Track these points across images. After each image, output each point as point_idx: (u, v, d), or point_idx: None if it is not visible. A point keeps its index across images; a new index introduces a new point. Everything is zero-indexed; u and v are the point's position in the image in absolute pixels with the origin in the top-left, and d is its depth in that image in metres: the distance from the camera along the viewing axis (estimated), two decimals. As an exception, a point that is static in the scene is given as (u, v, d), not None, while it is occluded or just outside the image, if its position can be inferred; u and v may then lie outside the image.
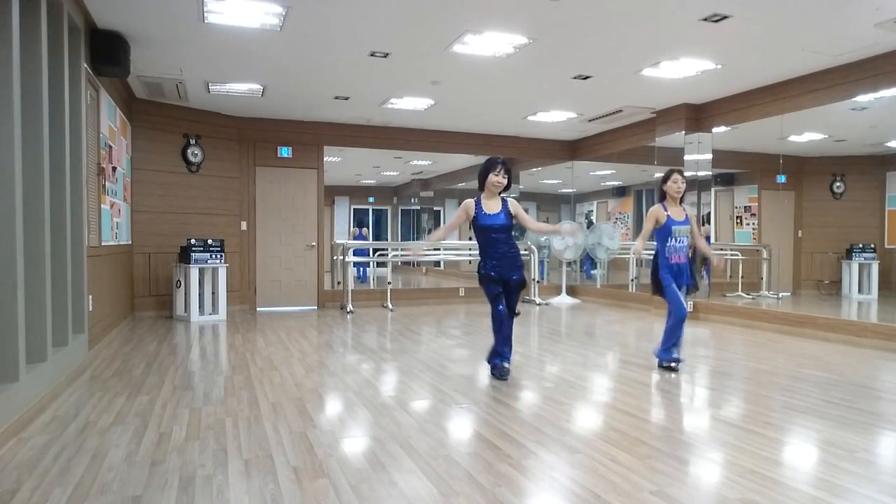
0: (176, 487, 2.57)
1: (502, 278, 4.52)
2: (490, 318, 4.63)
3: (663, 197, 4.89)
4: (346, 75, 6.79)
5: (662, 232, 4.82)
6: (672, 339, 4.82)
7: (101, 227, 5.89)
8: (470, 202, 4.56)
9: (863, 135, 9.01)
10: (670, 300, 4.83)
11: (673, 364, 4.80)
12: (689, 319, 8.03)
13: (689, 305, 4.94)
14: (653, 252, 4.94)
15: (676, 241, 4.80)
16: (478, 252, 4.68)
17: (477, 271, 4.65)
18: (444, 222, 15.81)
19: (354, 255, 9.60)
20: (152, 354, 5.52)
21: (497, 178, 4.49)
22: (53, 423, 3.48)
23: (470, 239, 15.91)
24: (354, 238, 14.02)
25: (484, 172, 4.54)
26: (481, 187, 4.58)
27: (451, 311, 8.91)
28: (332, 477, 2.69)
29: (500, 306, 4.54)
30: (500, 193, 4.59)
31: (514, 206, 4.63)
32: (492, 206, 4.55)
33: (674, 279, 4.83)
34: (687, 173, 8.21)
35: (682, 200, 4.90)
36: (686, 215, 4.88)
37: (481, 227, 4.54)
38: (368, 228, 16.54)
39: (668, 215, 4.80)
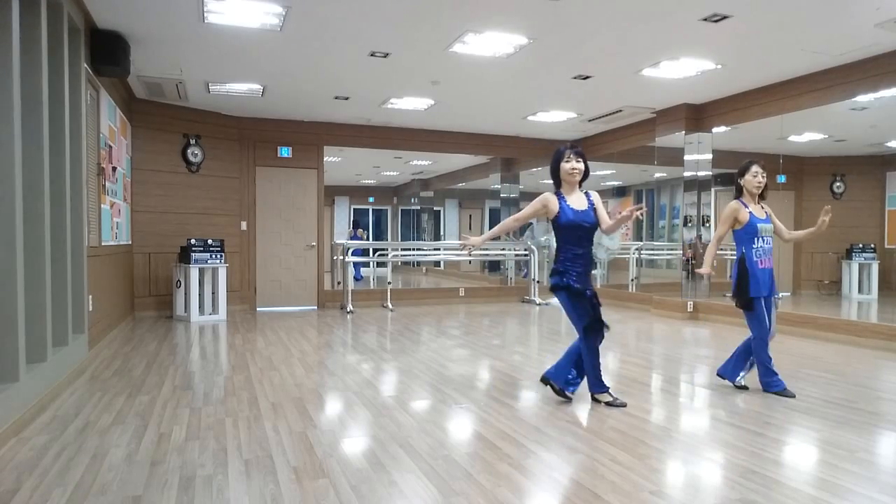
0: (176, 487, 2.57)
1: (585, 291, 3.84)
2: (586, 344, 3.93)
3: (740, 192, 4.24)
4: (346, 75, 6.78)
5: (746, 233, 4.14)
6: (766, 360, 4.16)
7: (101, 227, 5.89)
8: (550, 195, 3.86)
9: (863, 135, 9.01)
10: (757, 317, 4.20)
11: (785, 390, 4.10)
12: (690, 319, 8.11)
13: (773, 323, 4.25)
14: (735, 256, 4.23)
15: (764, 241, 4.15)
16: (554, 258, 3.93)
17: (560, 284, 3.82)
18: (444, 222, 15.81)
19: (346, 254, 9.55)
20: (152, 354, 5.52)
21: (570, 165, 3.81)
22: (53, 423, 3.48)
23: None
24: (350, 239, 13.95)
25: (555, 164, 3.87)
26: (557, 183, 3.91)
27: (451, 311, 8.91)
28: (332, 477, 2.69)
29: (605, 327, 3.95)
30: (580, 184, 3.90)
31: (598, 201, 3.92)
32: (578, 200, 3.84)
33: (762, 289, 4.16)
34: (687, 173, 8.27)
35: (762, 197, 4.25)
36: (767, 213, 4.23)
37: (569, 226, 3.80)
38: (367, 229, 16.44)
39: (749, 212, 4.15)
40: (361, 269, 12.84)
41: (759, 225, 4.13)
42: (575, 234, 3.81)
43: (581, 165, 3.83)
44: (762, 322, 4.17)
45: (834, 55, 6.00)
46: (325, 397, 4.11)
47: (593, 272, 11.42)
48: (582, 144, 10.73)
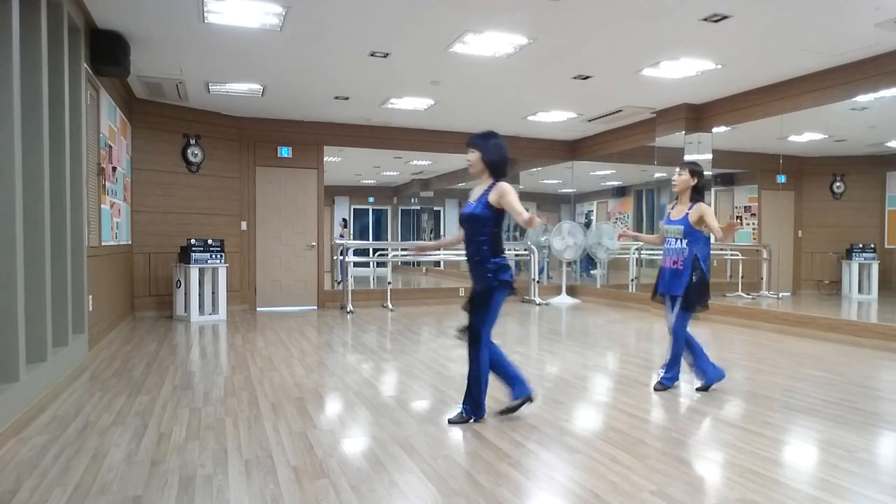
0: (176, 487, 2.57)
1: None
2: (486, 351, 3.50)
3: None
4: (346, 75, 6.78)
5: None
6: (678, 352, 4.32)
7: (101, 227, 5.89)
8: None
9: (863, 135, 9.01)
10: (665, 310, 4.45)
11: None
12: (689, 319, 8.06)
13: (671, 319, 4.36)
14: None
15: (670, 241, 4.29)
16: (493, 252, 3.52)
17: (498, 280, 3.46)
18: (444, 222, 15.81)
19: (342, 254, 9.54)
20: (152, 354, 5.52)
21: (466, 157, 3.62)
22: (53, 423, 3.48)
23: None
24: (338, 238, 13.80)
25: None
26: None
27: (451, 311, 8.90)
28: (332, 477, 2.69)
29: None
30: (484, 176, 3.62)
31: (496, 193, 3.52)
32: (476, 192, 3.65)
33: (660, 286, 4.38)
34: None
35: (698, 198, 4.22)
36: (686, 214, 4.22)
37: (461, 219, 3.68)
38: (349, 227, 16.15)
39: (667, 214, 4.38)
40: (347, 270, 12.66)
41: (665, 226, 4.35)
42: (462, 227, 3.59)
43: (471, 156, 3.59)
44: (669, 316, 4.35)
45: (834, 55, 6.00)
46: (325, 397, 4.11)
47: (594, 272, 11.51)
48: (582, 144, 10.75)
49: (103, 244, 6.01)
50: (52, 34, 4.19)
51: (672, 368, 4.30)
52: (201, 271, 7.76)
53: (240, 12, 5.01)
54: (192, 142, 8.41)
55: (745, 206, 10.72)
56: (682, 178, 4.24)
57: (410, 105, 8.15)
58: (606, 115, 8.78)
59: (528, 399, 3.60)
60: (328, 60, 6.26)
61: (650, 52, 5.98)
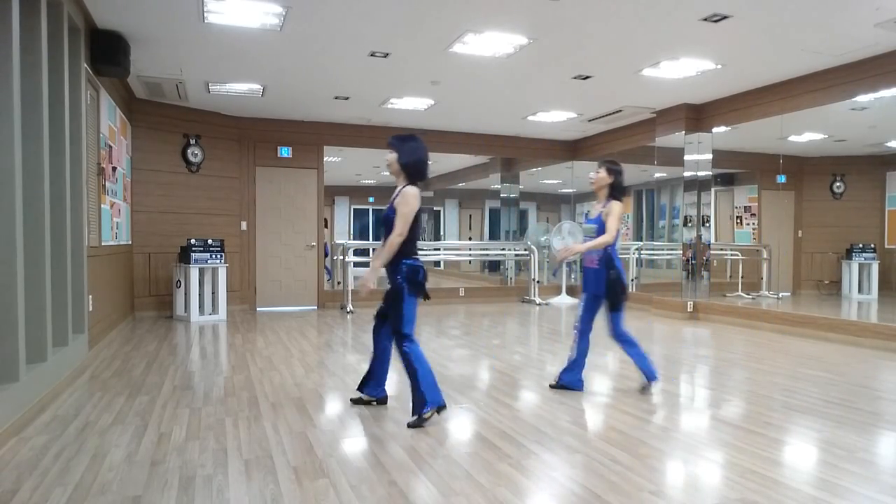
0: (176, 487, 2.57)
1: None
2: (413, 348, 3.54)
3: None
4: (346, 75, 6.78)
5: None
6: (581, 353, 4.28)
7: (101, 227, 5.89)
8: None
9: (863, 135, 9.01)
10: None
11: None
12: (690, 319, 8.11)
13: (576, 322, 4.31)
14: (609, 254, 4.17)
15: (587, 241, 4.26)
16: (408, 252, 3.67)
17: (407, 282, 3.58)
18: (445, 222, 15.84)
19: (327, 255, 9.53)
20: (152, 354, 5.52)
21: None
22: (53, 423, 3.48)
23: (470, 238, 15.90)
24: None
25: None
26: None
27: (451, 311, 8.91)
28: (332, 477, 2.69)
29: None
30: (400, 178, 3.73)
31: (401, 196, 3.62)
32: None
33: (584, 286, 4.33)
34: (687, 173, 8.27)
35: (610, 196, 4.17)
36: (600, 213, 4.17)
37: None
38: (331, 228, 15.83)
39: (587, 214, 4.38)
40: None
41: (584, 226, 4.38)
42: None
43: (389, 156, 3.70)
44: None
45: (834, 55, 6.00)
46: (325, 397, 4.11)
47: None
48: (582, 144, 10.75)
49: (103, 244, 6.01)
50: (52, 34, 4.19)
51: (643, 366, 4.23)
52: (201, 271, 7.76)
53: (240, 12, 5.01)
54: (192, 142, 8.41)
55: (745, 206, 10.72)
56: (599, 175, 4.21)
57: (410, 105, 8.15)
58: (606, 115, 8.78)
59: (375, 401, 3.83)
60: (328, 60, 6.25)
61: (650, 52, 5.98)
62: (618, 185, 4.18)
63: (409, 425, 3.39)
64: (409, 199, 3.59)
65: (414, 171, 3.70)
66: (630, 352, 4.22)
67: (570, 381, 4.26)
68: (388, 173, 3.84)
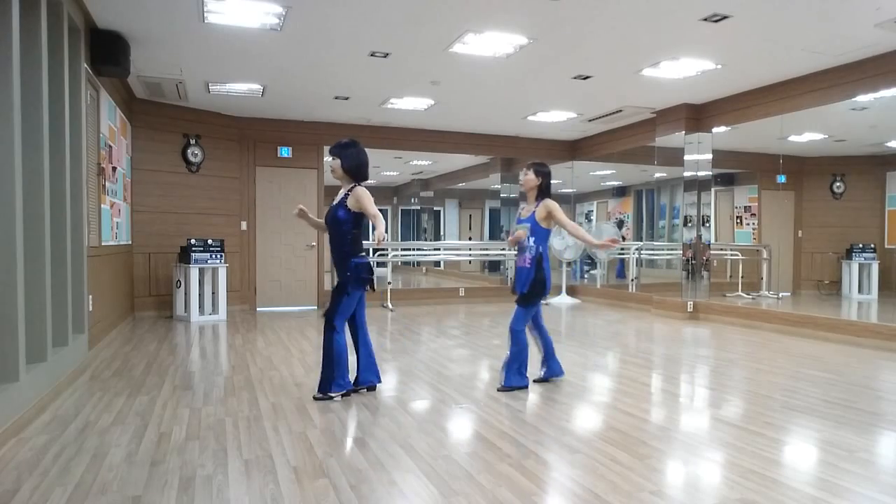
0: (176, 487, 2.57)
1: None
2: (341, 338, 3.97)
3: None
4: (346, 75, 6.79)
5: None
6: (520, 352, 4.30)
7: (101, 227, 5.89)
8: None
9: (863, 135, 9.02)
10: None
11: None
12: (690, 319, 8.11)
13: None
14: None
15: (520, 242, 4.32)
16: (353, 250, 4.00)
17: (356, 278, 3.95)
18: (445, 222, 15.84)
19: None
20: (152, 354, 5.52)
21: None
22: (53, 423, 3.48)
23: (470, 238, 15.85)
24: None
25: None
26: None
27: (451, 311, 8.91)
28: (332, 477, 2.69)
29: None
30: (345, 181, 4.10)
31: (353, 197, 3.96)
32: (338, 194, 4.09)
33: (515, 285, 4.34)
34: (687, 173, 8.27)
35: (543, 196, 4.30)
36: (533, 212, 4.26)
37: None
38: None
39: (518, 214, 4.45)
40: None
41: (516, 226, 4.41)
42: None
43: (333, 163, 4.06)
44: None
45: (834, 55, 6.00)
46: (325, 397, 4.11)
47: (594, 272, 11.51)
48: (582, 144, 10.75)
49: (103, 244, 6.01)
50: (52, 34, 4.19)
51: (507, 371, 4.25)
52: (201, 271, 7.76)
53: (240, 12, 5.01)
54: (192, 142, 8.41)
55: (745, 206, 10.73)
56: (528, 177, 4.33)
57: (410, 105, 8.15)
58: (606, 115, 8.78)
59: (369, 388, 4.17)
60: (328, 60, 6.26)
61: (650, 52, 5.98)
62: (545, 186, 4.33)
63: (315, 398, 3.92)
64: (362, 193, 3.93)
65: (357, 173, 4.05)
66: (511, 350, 4.25)
67: (551, 372, 4.47)
68: (334, 179, 4.24)
